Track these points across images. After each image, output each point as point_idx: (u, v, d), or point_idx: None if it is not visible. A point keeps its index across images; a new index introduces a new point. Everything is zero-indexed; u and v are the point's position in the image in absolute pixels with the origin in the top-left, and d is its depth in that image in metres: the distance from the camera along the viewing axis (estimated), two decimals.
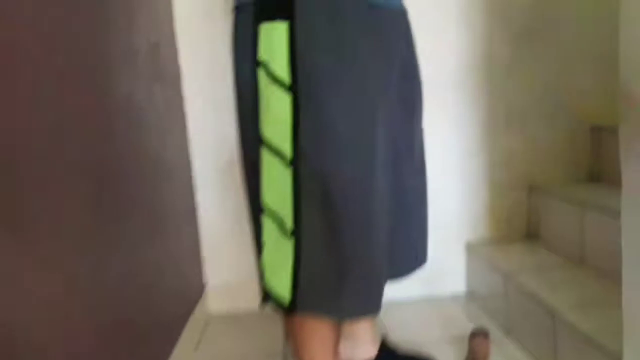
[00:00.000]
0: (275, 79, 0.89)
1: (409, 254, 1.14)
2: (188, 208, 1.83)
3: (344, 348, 1.23)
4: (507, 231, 1.98)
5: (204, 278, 1.95)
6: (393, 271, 1.09)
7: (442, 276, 1.97)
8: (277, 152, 0.91)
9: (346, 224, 0.90)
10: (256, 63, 0.90)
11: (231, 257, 1.91)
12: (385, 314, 1.78)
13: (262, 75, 0.90)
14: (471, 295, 1.94)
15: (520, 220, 1.98)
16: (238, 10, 0.96)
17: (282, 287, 0.93)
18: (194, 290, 1.85)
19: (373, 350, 1.26)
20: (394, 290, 1.85)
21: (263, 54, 0.90)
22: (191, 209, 1.87)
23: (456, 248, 1.98)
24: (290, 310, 0.93)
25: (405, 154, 1.06)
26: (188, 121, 1.85)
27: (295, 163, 0.90)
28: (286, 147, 0.90)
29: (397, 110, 1.01)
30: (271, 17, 0.88)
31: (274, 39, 0.88)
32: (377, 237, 0.95)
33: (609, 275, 1.50)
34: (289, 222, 0.92)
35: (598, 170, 1.94)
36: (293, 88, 0.88)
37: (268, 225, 0.96)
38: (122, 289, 1.09)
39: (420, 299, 1.96)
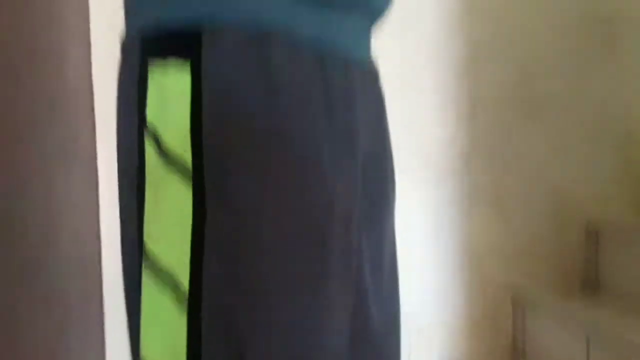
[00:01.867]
0: (168, 156, 0.53)
1: None
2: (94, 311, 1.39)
3: None
4: (489, 347, 1.62)
5: None
6: None
7: None
8: (165, 277, 0.53)
9: None
10: (142, 122, 0.54)
11: None
12: None
13: (150, 147, 0.54)
14: None
15: (506, 336, 1.63)
16: (124, 47, 0.61)
17: None
18: None
19: None
20: None
21: (151, 111, 0.54)
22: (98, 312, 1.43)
23: None
24: None
25: (371, 277, 0.69)
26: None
27: (194, 298, 0.52)
28: (181, 271, 0.52)
29: (359, 214, 0.65)
30: (165, 52, 0.53)
31: (168, 89, 0.53)
32: None
33: None
34: None
35: (594, 277, 1.63)
36: (197, 175, 0.52)
37: None
38: None
39: None
